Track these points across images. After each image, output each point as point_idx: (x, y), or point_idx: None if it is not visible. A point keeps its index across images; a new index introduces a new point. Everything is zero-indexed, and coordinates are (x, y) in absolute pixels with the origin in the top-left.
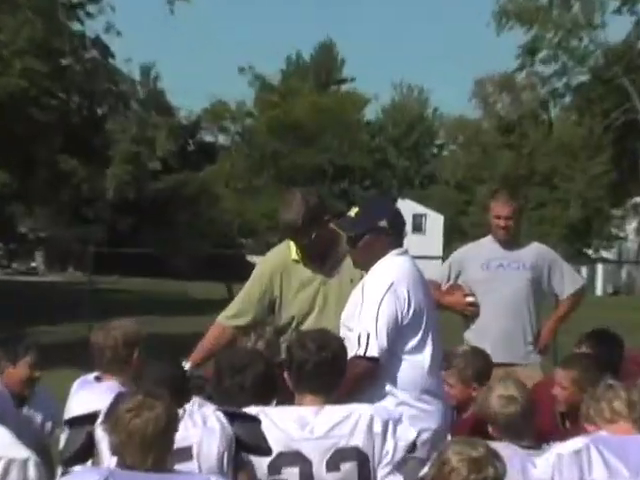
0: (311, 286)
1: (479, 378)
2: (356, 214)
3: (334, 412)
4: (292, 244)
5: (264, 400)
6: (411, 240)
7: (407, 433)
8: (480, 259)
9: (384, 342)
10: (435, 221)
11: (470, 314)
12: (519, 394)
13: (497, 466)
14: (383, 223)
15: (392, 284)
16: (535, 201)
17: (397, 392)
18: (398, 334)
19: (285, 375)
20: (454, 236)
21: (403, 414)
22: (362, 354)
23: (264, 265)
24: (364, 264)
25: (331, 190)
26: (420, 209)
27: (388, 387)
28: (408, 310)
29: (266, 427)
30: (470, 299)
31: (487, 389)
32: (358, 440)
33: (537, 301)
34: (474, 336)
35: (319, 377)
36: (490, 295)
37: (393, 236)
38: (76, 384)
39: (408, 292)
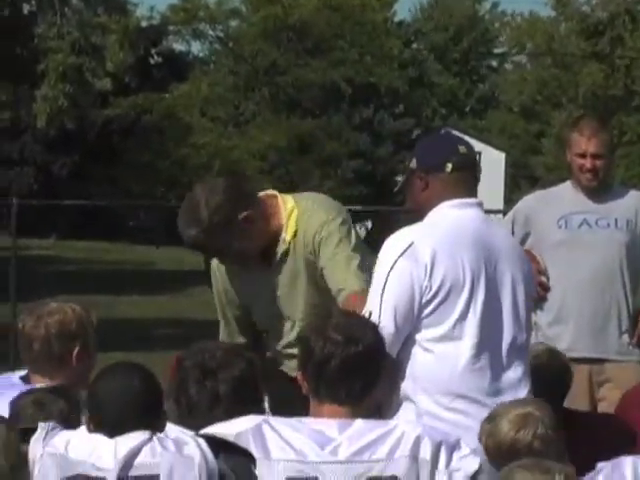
0: (263, 295)
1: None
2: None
3: (366, 428)
4: None
5: (244, 415)
6: None
7: (467, 463)
8: (556, 213)
9: (390, 326)
10: (494, 161)
11: (536, 299)
12: (540, 413)
13: None
14: (413, 164)
15: (411, 244)
16: (634, 133)
17: (416, 397)
18: (415, 314)
19: (298, 377)
20: (520, 182)
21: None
22: None
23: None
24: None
25: (349, 118)
26: (473, 145)
27: (402, 390)
28: (430, 280)
29: (271, 443)
30: (543, 279)
31: (498, 408)
32: (398, 468)
33: (634, 273)
34: (548, 321)
35: (346, 379)
36: (570, 264)
37: (447, 181)
38: None
39: (433, 254)
